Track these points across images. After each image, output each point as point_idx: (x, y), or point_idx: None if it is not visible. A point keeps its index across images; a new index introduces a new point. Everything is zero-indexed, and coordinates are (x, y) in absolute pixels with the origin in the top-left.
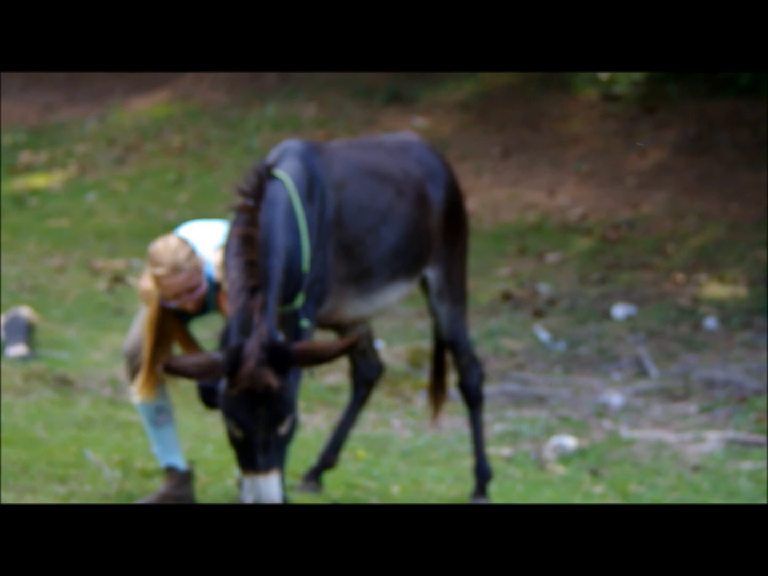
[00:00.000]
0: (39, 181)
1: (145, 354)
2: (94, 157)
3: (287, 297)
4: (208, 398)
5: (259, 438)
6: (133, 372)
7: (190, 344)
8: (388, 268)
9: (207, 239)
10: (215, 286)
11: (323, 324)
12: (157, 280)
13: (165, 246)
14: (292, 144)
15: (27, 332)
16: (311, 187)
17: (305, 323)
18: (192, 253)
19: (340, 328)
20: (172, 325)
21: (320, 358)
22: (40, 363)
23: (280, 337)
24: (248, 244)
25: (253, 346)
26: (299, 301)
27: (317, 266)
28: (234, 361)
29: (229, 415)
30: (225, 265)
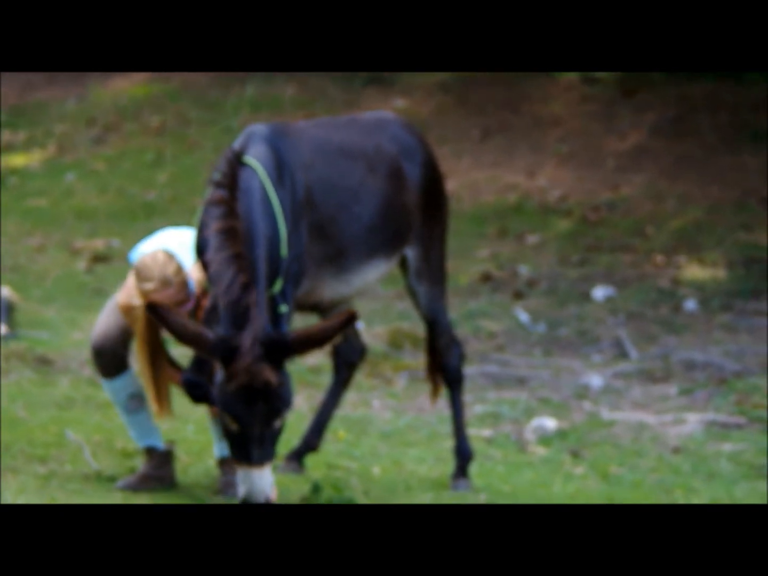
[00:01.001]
0: (18, 160)
1: (144, 374)
2: (73, 136)
3: (267, 283)
4: (194, 392)
5: (255, 432)
6: (103, 365)
7: (171, 363)
8: (364, 246)
9: (185, 251)
10: (196, 302)
11: (302, 306)
12: (147, 295)
13: (153, 260)
14: (257, 128)
15: (7, 312)
16: (280, 171)
17: (284, 308)
18: (179, 267)
19: (319, 309)
20: (159, 341)
21: (319, 342)
22: (20, 343)
23: (274, 329)
24: (232, 237)
25: (249, 341)
26: (277, 286)
27: (292, 248)
28: (226, 350)
29: (226, 410)
30: (209, 260)
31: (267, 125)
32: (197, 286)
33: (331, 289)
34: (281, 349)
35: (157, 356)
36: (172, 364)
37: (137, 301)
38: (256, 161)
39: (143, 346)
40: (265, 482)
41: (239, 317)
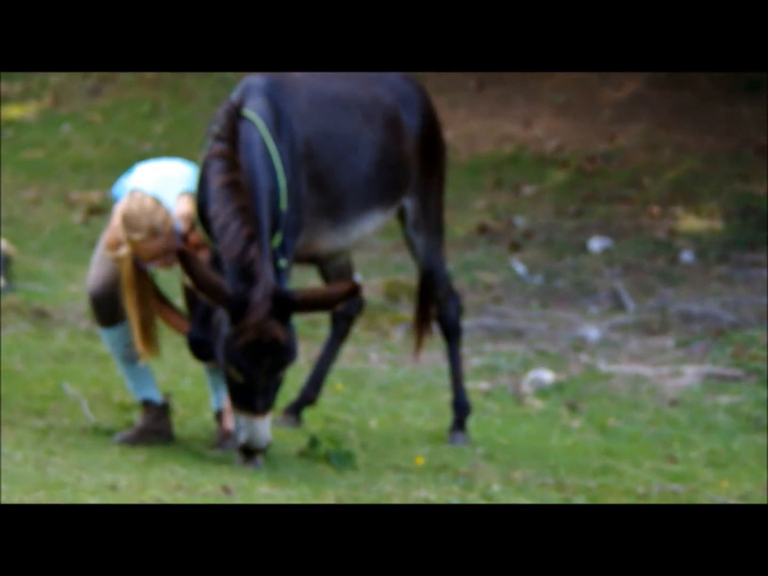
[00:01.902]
0: (13, 112)
1: (132, 316)
2: (68, 87)
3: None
4: (200, 351)
5: (260, 384)
6: (101, 314)
7: (158, 297)
8: (361, 197)
9: (168, 186)
10: (182, 238)
11: (300, 258)
12: (135, 244)
13: (140, 209)
14: (254, 80)
15: (3, 265)
16: (279, 123)
17: (283, 263)
18: (167, 214)
19: (317, 260)
20: (146, 282)
21: (323, 305)
22: (16, 295)
23: (282, 284)
24: (236, 190)
25: (260, 297)
26: (277, 240)
27: (291, 201)
28: (241, 308)
29: (232, 362)
30: (213, 214)
31: (264, 77)
32: (184, 222)
33: (328, 240)
34: (288, 305)
35: (144, 298)
36: (176, 311)
37: (124, 250)
38: (255, 114)
39: (130, 289)
40: (266, 430)
41: (244, 270)
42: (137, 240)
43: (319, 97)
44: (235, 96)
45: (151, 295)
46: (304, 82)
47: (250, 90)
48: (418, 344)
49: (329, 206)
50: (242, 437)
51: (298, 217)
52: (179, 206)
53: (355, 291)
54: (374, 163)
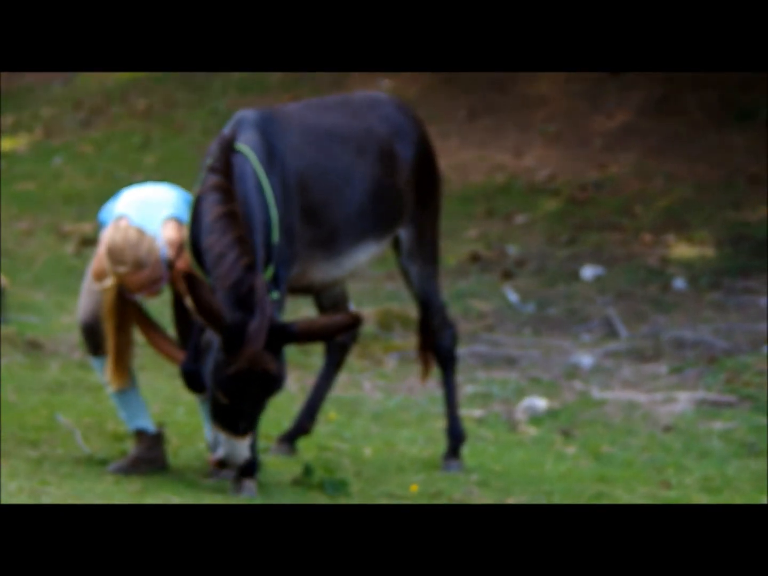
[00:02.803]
0: (5, 144)
1: (109, 343)
2: (60, 120)
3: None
4: (193, 382)
5: (245, 409)
6: (91, 342)
7: (150, 326)
8: (355, 229)
9: (154, 211)
10: (168, 266)
11: (294, 288)
12: (120, 277)
13: (124, 241)
14: (246, 114)
15: None
16: (271, 157)
17: (276, 295)
18: (152, 243)
19: (312, 291)
20: (130, 310)
21: (322, 337)
22: (9, 327)
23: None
24: (233, 220)
25: (257, 328)
26: (269, 272)
27: (284, 233)
28: (238, 337)
29: (220, 387)
30: (209, 245)
31: (256, 111)
32: (170, 249)
33: (322, 271)
34: (286, 339)
35: (124, 327)
36: (169, 341)
37: (110, 281)
38: (248, 148)
39: (109, 317)
40: (244, 449)
41: (240, 300)
42: (122, 273)
43: (312, 130)
44: (227, 130)
45: (131, 325)
46: (296, 115)
47: (242, 124)
48: (425, 372)
49: (323, 238)
50: (220, 453)
51: (291, 249)
52: (165, 232)
53: (356, 322)
54: (368, 195)
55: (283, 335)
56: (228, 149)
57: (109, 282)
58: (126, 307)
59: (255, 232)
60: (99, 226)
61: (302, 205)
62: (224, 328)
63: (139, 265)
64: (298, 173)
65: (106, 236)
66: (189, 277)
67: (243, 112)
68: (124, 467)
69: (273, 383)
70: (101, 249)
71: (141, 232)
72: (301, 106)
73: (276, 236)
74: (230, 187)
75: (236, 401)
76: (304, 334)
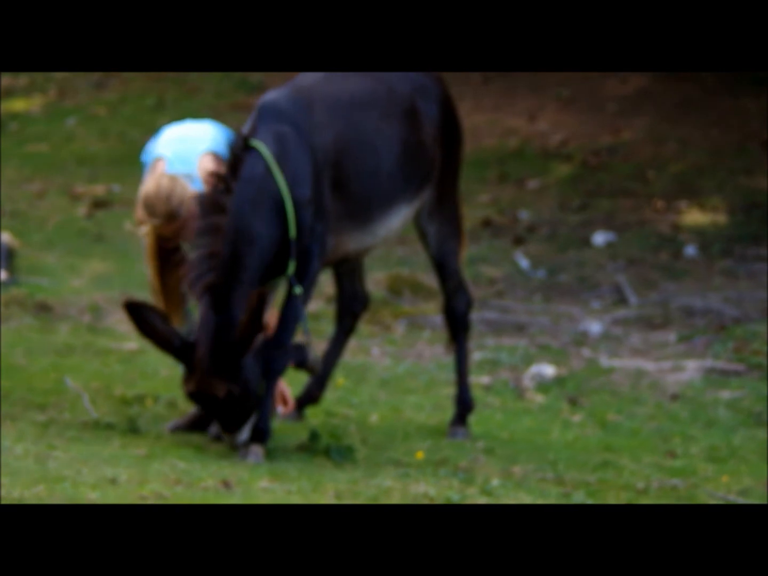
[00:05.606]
0: (18, 105)
1: (153, 286)
2: (73, 81)
3: (279, 267)
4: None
5: (216, 418)
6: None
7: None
8: (387, 194)
9: (191, 147)
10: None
11: (329, 260)
12: (155, 228)
13: (156, 192)
14: (266, 103)
15: (7, 258)
16: (298, 138)
17: (298, 290)
18: (184, 190)
19: (347, 261)
20: (171, 256)
21: (253, 329)
22: (20, 289)
23: (297, 310)
24: (212, 234)
25: (201, 356)
26: (291, 268)
27: (316, 211)
28: (187, 358)
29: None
30: (190, 260)
31: (278, 93)
32: (206, 182)
33: (356, 241)
34: (230, 354)
35: (166, 268)
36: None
37: (146, 228)
38: (262, 144)
39: (152, 261)
40: (240, 439)
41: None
42: (156, 225)
43: (334, 102)
44: (250, 120)
45: (174, 267)
46: (317, 89)
47: (262, 116)
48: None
49: (355, 208)
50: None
51: (323, 225)
52: (201, 166)
53: (261, 299)
54: (396, 157)
55: (226, 352)
56: (236, 149)
57: (146, 229)
58: (165, 252)
59: (242, 246)
60: (141, 166)
61: (332, 179)
62: (173, 351)
63: (171, 217)
64: (325, 149)
65: (143, 186)
66: (131, 306)
67: (265, 97)
68: (182, 425)
69: (227, 404)
70: (139, 197)
71: (174, 180)
72: (321, 77)
73: (293, 232)
74: (218, 199)
75: (205, 412)
76: (242, 341)
